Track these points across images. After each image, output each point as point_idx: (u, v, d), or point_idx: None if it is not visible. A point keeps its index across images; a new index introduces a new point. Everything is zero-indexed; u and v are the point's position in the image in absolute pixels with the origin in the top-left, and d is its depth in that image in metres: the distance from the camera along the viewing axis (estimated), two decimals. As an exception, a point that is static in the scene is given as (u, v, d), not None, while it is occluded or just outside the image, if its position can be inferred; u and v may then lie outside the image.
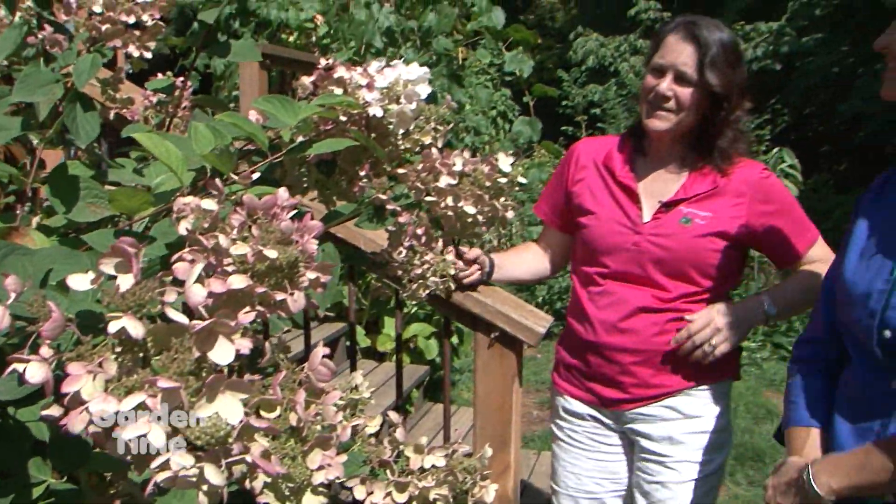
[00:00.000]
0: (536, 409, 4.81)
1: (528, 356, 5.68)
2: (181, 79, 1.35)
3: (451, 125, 3.57)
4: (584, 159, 1.79)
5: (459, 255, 1.70)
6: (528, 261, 1.90)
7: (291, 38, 4.82)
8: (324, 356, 0.60)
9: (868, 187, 1.36)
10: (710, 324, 1.61)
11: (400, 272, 1.14)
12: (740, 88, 1.63)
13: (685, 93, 1.60)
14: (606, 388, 1.71)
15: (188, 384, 0.48)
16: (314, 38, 4.76)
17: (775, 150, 4.66)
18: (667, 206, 1.66)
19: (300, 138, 0.96)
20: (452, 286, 1.57)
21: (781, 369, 4.95)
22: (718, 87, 1.58)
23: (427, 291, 1.22)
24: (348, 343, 2.67)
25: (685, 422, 1.69)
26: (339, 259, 0.99)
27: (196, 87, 5.64)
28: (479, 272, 1.72)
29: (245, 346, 0.50)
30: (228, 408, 0.47)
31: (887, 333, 1.14)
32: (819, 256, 1.68)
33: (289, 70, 3.73)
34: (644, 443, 1.72)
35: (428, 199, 0.85)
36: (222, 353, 0.49)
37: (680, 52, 1.60)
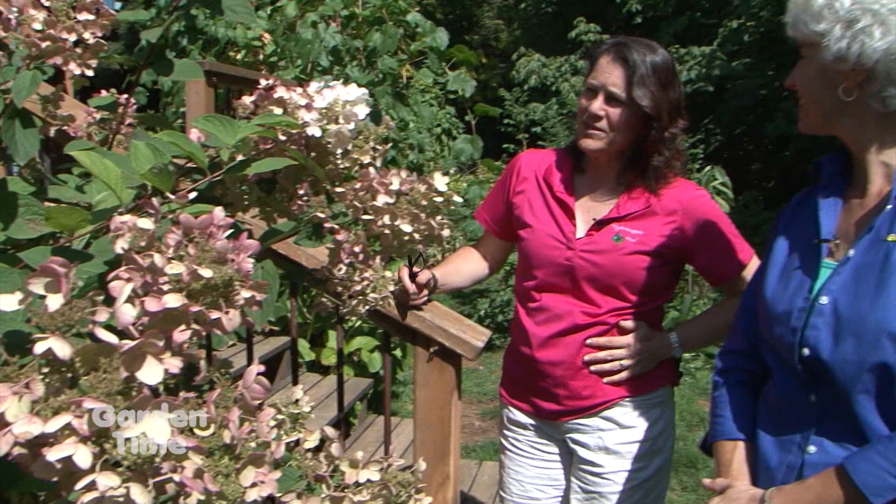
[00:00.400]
0: (479, 420, 4.84)
1: (470, 368, 5.72)
2: (125, 96, 1.33)
3: (396, 143, 3.59)
4: (525, 171, 1.82)
5: (413, 278, 1.74)
6: (468, 270, 1.93)
7: (239, 56, 4.81)
8: (259, 374, 0.61)
9: (785, 206, 1.41)
10: (629, 345, 1.67)
11: (340, 288, 1.15)
12: (672, 108, 1.65)
13: (615, 112, 1.63)
14: (544, 401, 1.75)
15: (116, 404, 0.48)
16: (261, 56, 4.76)
17: (707, 168, 4.80)
18: (599, 224, 1.69)
19: (240, 157, 0.96)
20: (392, 302, 1.59)
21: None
22: (647, 106, 1.61)
23: (366, 307, 1.23)
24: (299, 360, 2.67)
25: (621, 432, 1.72)
26: (280, 276, 1.00)
27: (144, 102, 5.57)
28: (428, 293, 1.76)
29: (175, 365, 0.50)
30: (155, 428, 0.47)
31: (806, 351, 1.18)
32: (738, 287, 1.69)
33: (235, 87, 3.72)
34: (581, 452, 1.75)
35: (365, 217, 0.87)
36: (150, 373, 0.49)
37: (610, 73, 1.63)
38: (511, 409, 1.84)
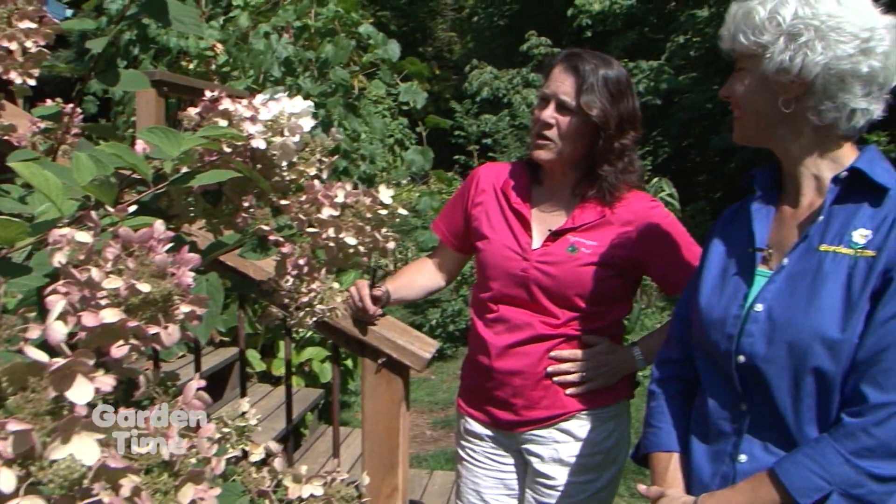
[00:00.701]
0: (430, 430, 4.84)
1: (422, 377, 5.72)
2: (70, 105, 1.31)
3: (348, 154, 3.58)
4: (484, 183, 1.82)
5: (373, 295, 1.74)
6: (421, 282, 1.93)
7: (191, 66, 4.77)
8: (200, 388, 0.60)
9: (719, 217, 1.45)
10: (591, 358, 1.68)
11: (287, 300, 1.14)
12: (622, 120, 1.66)
13: (565, 121, 1.64)
14: (500, 411, 1.75)
15: (43, 425, 0.47)
16: (214, 66, 4.72)
17: (655, 179, 4.90)
18: (555, 235, 1.70)
19: (184, 169, 0.96)
20: (339, 314, 1.57)
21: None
22: (596, 115, 1.62)
23: (314, 319, 1.22)
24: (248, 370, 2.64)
25: (576, 444, 1.73)
26: (228, 288, 0.99)
27: (95, 111, 5.47)
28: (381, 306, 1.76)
29: (107, 383, 0.49)
30: (83, 449, 0.46)
31: (741, 358, 1.21)
32: None
33: (187, 97, 3.68)
34: (535, 463, 1.76)
35: (310, 229, 0.87)
36: (80, 392, 0.48)
37: (561, 82, 1.65)
38: (468, 419, 1.84)
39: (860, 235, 1.14)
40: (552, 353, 1.70)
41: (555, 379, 1.70)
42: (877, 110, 1.20)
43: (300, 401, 3.71)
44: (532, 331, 1.69)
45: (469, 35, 19.88)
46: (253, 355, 4.07)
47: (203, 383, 0.61)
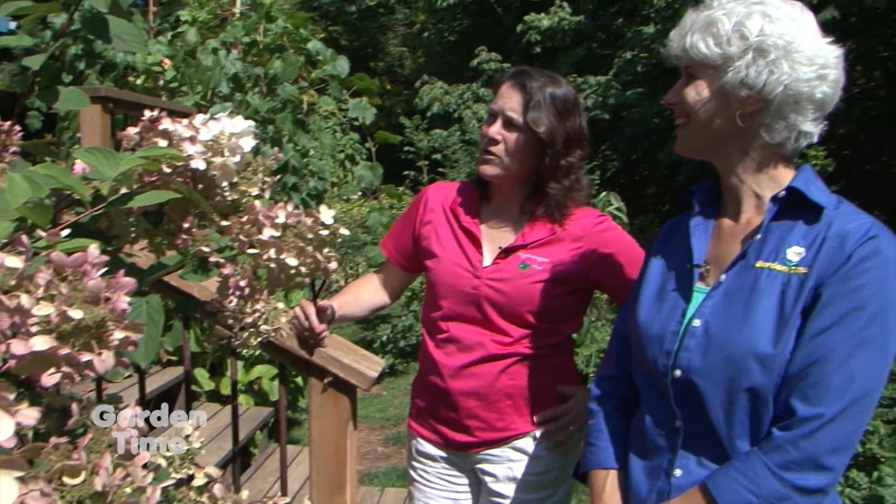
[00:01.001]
0: (382, 447, 4.82)
1: (373, 393, 5.69)
2: (8, 123, 1.27)
3: (297, 170, 3.56)
4: (433, 202, 1.82)
5: (318, 309, 1.72)
6: (366, 299, 1.91)
7: (139, 81, 4.69)
8: (134, 416, 0.59)
9: (657, 232, 1.46)
10: (575, 409, 1.68)
11: (231, 321, 1.13)
12: (569, 138, 1.67)
13: (512, 137, 1.65)
14: (454, 432, 1.73)
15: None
16: (162, 82, 4.66)
17: (603, 193, 4.97)
18: (506, 252, 1.70)
19: (123, 190, 0.94)
20: (285, 333, 1.56)
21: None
22: (542, 132, 1.62)
23: (259, 339, 1.21)
24: (191, 387, 2.59)
25: (530, 462, 1.72)
26: (173, 308, 0.97)
27: (39, 127, 5.34)
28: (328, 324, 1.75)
29: (30, 416, 0.48)
30: (2, 488, 0.45)
31: (678, 373, 1.22)
32: None
33: (133, 114, 3.62)
34: (490, 483, 1.75)
35: (251, 251, 0.86)
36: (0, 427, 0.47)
37: (509, 98, 1.66)
38: (420, 440, 1.82)
39: (794, 253, 1.17)
40: (536, 419, 1.71)
41: (549, 426, 1.71)
42: (815, 134, 1.21)
43: (249, 420, 3.66)
44: (484, 350, 1.68)
45: (420, 50, 19.99)
46: (201, 374, 4.01)
47: (138, 410, 0.60)
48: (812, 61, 1.15)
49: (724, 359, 1.17)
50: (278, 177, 1.03)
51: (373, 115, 3.86)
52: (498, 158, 1.68)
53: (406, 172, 7.88)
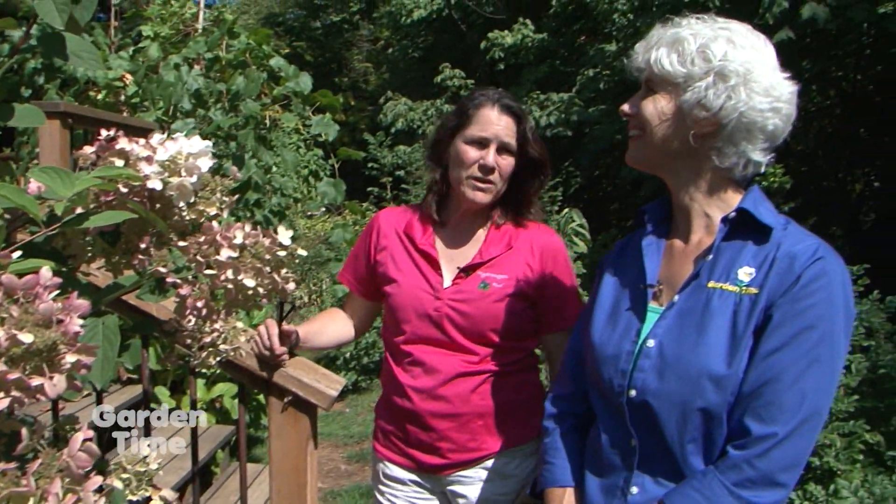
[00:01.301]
0: (345, 464, 4.78)
1: (336, 411, 5.65)
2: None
3: (259, 186, 3.53)
4: (385, 228, 1.81)
5: (282, 333, 1.70)
6: (333, 331, 1.90)
7: (100, 96, 4.63)
8: (86, 440, 0.59)
9: (609, 252, 1.48)
10: None
11: (190, 340, 1.12)
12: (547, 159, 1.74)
13: (507, 163, 1.67)
14: (425, 455, 1.72)
15: None
16: (123, 97, 4.60)
17: (566, 210, 5.00)
18: (465, 272, 1.70)
19: (79, 209, 0.93)
20: (244, 353, 1.55)
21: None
22: (538, 155, 1.69)
23: (218, 359, 1.21)
24: (151, 405, 2.54)
25: (501, 482, 1.72)
26: (131, 327, 0.96)
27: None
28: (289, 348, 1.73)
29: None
30: None
31: (633, 393, 1.24)
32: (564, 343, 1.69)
33: (94, 129, 3.56)
34: (462, 504, 1.74)
35: (208, 271, 0.86)
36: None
37: (501, 125, 1.66)
38: (387, 463, 1.79)
39: (745, 273, 1.19)
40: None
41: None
42: (763, 164, 1.24)
43: (211, 438, 3.61)
44: (453, 371, 1.68)
45: (384, 66, 20.04)
46: (161, 392, 3.95)
47: (90, 434, 0.59)
48: (768, 93, 1.17)
49: (679, 379, 1.18)
50: (237, 196, 1.03)
51: (336, 132, 3.86)
52: (494, 185, 1.69)
53: (370, 189, 7.88)
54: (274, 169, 4.21)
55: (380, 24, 19.44)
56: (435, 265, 1.73)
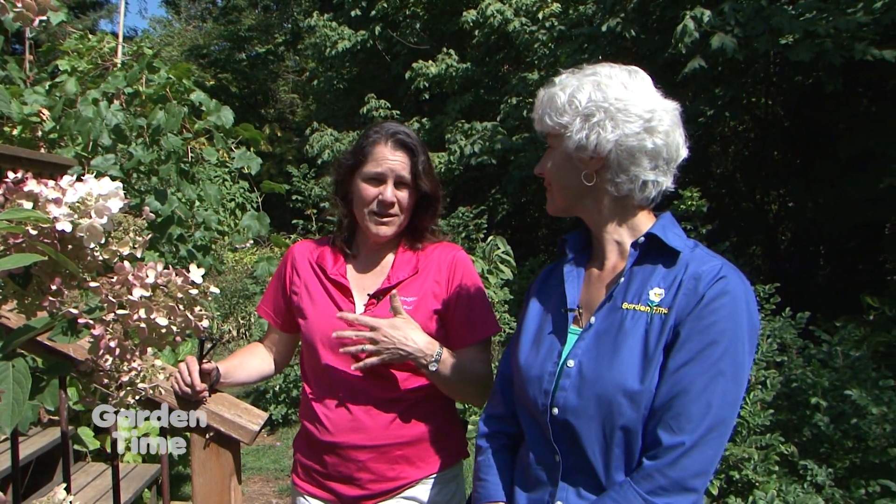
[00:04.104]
0: (276, 498, 4.71)
1: (266, 444, 5.57)
2: None
3: (182, 221, 3.48)
4: (299, 261, 1.84)
5: (202, 370, 1.69)
6: (254, 366, 1.91)
7: (15, 132, 4.48)
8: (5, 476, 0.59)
9: (536, 279, 1.57)
10: (379, 329, 1.63)
11: (107, 379, 1.12)
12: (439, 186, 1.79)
13: (404, 196, 1.72)
14: (345, 486, 1.73)
15: None
16: (41, 133, 4.47)
17: (490, 238, 5.08)
18: (377, 297, 1.74)
19: (-13, 252, 0.93)
20: (163, 391, 1.54)
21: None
22: (428, 189, 1.74)
23: (136, 398, 1.20)
24: (75, 447, 2.47)
25: None
26: (42, 370, 0.96)
27: None
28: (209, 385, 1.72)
29: None
30: None
31: (556, 411, 1.31)
32: (479, 357, 1.74)
33: (8, 166, 3.46)
34: (383, 533, 1.74)
35: (120, 311, 0.87)
36: None
37: (396, 160, 1.71)
38: (307, 497, 1.79)
39: (655, 294, 1.28)
40: (338, 315, 1.67)
41: (341, 349, 1.66)
42: (666, 182, 1.35)
43: (136, 478, 3.52)
44: (370, 400, 1.69)
45: (310, 97, 20.00)
46: (85, 433, 3.82)
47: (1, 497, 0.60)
48: (639, 117, 1.28)
49: (597, 396, 1.25)
50: (150, 235, 1.04)
51: (258, 165, 3.85)
52: (395, 218, 1.74)
53: (295, 221, 7.84)
54: (197, 203, 4.17)
55: (305, 55, 19.44)
56: (347, 293, 1.76)
